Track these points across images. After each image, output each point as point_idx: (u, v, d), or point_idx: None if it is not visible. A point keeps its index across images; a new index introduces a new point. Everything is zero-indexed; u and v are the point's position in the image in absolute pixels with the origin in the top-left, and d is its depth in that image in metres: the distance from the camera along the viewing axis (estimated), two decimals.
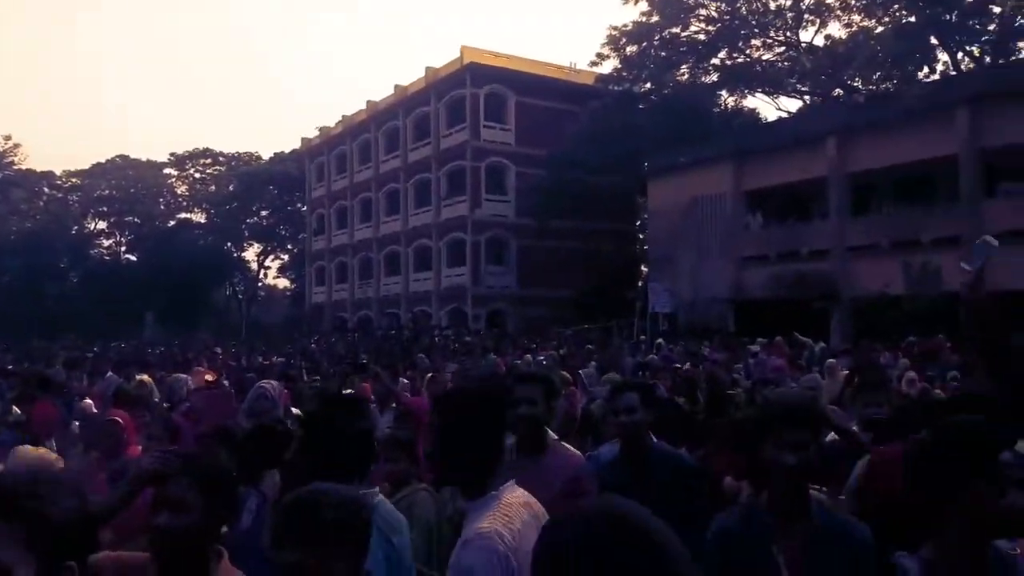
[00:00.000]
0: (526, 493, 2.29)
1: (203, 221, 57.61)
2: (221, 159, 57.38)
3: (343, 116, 48.35)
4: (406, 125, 41.64)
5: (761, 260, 27.54)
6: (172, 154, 56.78)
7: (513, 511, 2.13)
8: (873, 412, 4.37)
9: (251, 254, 58.91)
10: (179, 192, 58.64)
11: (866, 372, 5.06)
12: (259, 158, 57.74)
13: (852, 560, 2.36)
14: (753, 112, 36.64)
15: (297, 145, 53.65)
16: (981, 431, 2.03)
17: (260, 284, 60.82)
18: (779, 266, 26.67)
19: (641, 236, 38.25)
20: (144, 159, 56.85)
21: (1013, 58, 26.11)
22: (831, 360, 11.78)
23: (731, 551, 2.48)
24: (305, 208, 52.47)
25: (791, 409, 2.51)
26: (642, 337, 24.31)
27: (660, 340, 20.73)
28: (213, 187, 57.16)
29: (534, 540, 1.84)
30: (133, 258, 55.01)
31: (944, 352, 15.23)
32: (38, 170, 54.06)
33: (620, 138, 32.18)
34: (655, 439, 4.18)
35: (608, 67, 35.31)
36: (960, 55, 27.75)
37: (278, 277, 61.51)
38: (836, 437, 4.31)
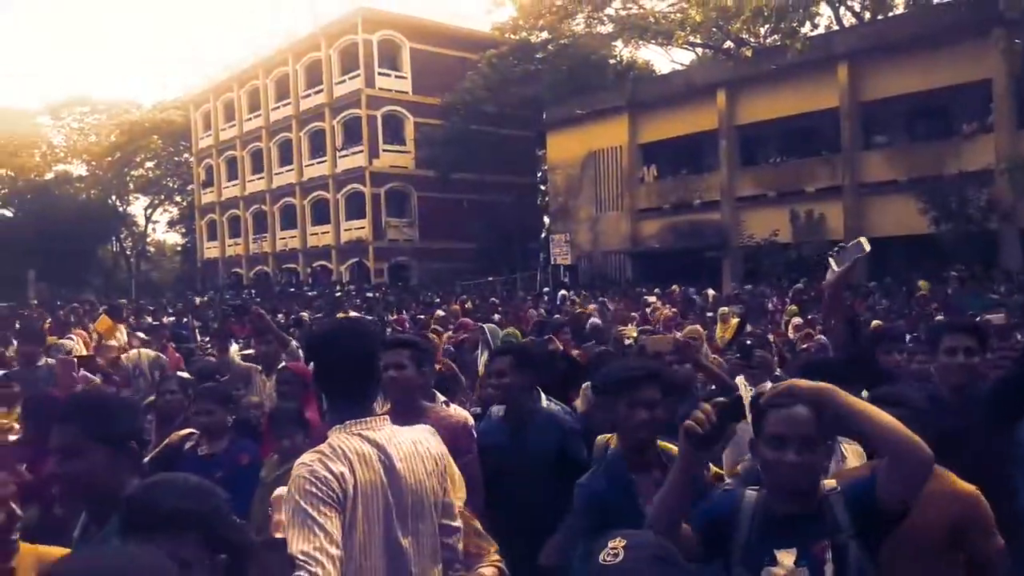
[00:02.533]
0: (395, 429, 2.37)
1: (84, 173, 54.36)
2: (100, 107, 54.01)
3: (229, 64, 46.17)
4: (296, 72, 40.19)
5: (656, 211, 28.30)
6: (46, 102, 53.17)
7: (336, 446, 2.21)
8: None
9: (138, 208, 56.12)
10: (55, 143, 54.99)
11: (741, 334, 5.34)
12: (140, 106, 54.66)
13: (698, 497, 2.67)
14: (647, 64, 37.13)
15: (180, 94, 51.05)
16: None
17: (148, 239, 58.17)
18: (673, 217, 27.47)
19: (543, 188, 38.53)
20: (12, 108, 52.90)
21: (891, 14, 27.26)
22: (723, 308, 12.29)
23: (602, 512, 2.69)
24: (192, 159, 50.24)
25: (637, 369, 2.88)
26: (545, 289, 24.66)
27: (563, 291, 21.12)
28: (93, 137, 53.81)
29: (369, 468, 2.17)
30: (8, 214, 51.45)
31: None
32: None
33: (518, 88, 32.12)
34: (545, 397, 4.23)
35: (504, 16, 35.00)
36: (842, 10, 28.79)
37: (168, 232, 58.99)
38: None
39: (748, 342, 5.00)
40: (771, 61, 24.90)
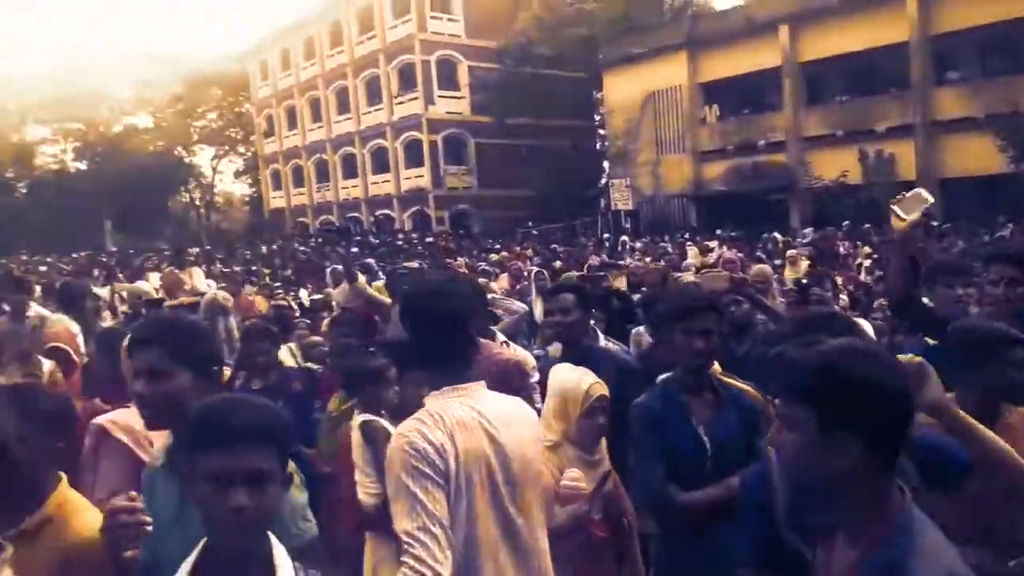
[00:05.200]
0: (489, 396, 2.27)
1: (150, 125, 55.63)
2: (161, 60, 54.88)
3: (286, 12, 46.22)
4: (349, 17, 40.03)
5: (720, 153, 27.66)
6: (111, 56, 54.31)
7: (435, 413, 2.15)
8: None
9: (204, 159, 57.24)
10: (122, 96, 56.24)
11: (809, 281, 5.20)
12: (199, 58, 55.32)
13: (749, 422, 2.93)
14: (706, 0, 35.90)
15: (238, 44, 51.57)
16: None
17: (216, 190, 59.37)
18: (737, 159, 26.83)
19: (601, 132, 37.94)
20: (79, 62, 54.22)
21: None
22: (791, 251, 12.14)
23: (658, 428, 2.89)
24: (252, 109, 50.83)
25: (694, 300, 3.06)
26: (606, 235, 24.50)
27: (624, 238, 20.97)
28: (156, 89, 54.84)
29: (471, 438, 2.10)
30: (82, 166, 52.96)
31: None
32: None
33: (573, 27, 31.45)
34: (603, 337, 4.27)
35: None
36: None
37: (235, 182, 60.13)
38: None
39: (804, 281, 4.96)
40: None
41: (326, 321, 6.60)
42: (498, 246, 20.63)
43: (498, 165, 35.38)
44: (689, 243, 16.22)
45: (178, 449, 2.17)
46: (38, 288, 9.12)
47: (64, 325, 5.39)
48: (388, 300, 6.22)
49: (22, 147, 51.00)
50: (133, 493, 1.76)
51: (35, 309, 6.24)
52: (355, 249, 19.56)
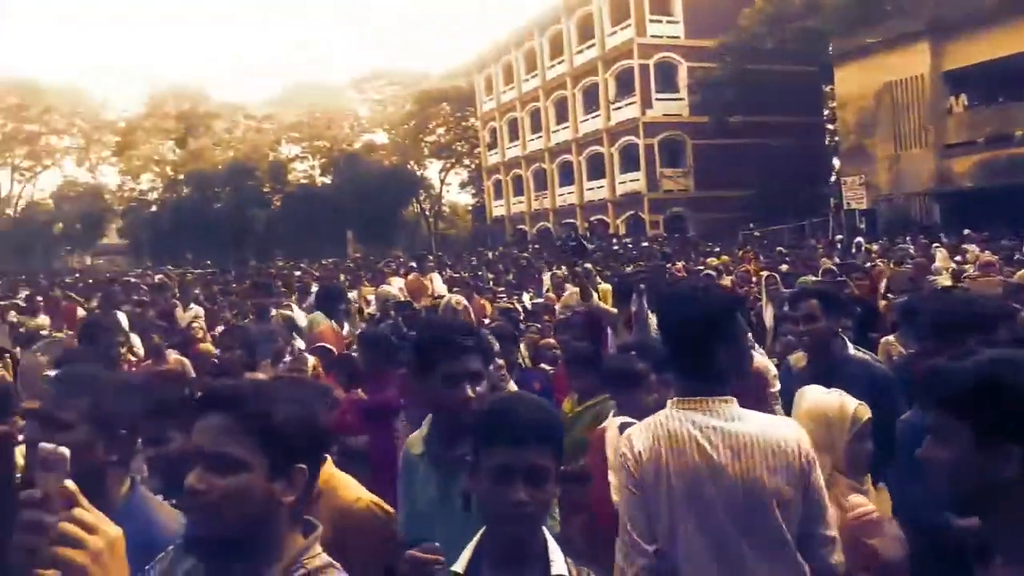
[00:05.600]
0: (726, 412, 2.14)
1: (385, 141, 59.88)
2: (396, 79, 59.02)
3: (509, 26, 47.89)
4: (568, 28, 40.71)
5: (968, 146, 25.17)
6: (351, 78, 59.26)
7: (654, 421, 2.18)
8: None
9: (432, 172, 60.65)
10: (360, 115, 61.17)
11: None
12: (429, 76, 58.84)
13: None
14: None
15: (464, 59, 54.12)
16: None
17: (443, 201, 62.57)
18: (989, 152, 24.29)
19: (829, 127, 35.80)
20: (323, 84, 59.60)
21: None
22: None
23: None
24: (477, 123, 53.14)
25: (993, 308, 2.79)
26: (838, 236, 23.16)
27: (859, 239, 19.77)
28: (391, 108, 59.02)
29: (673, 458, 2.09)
30: (327, 180, 57.87)
31: None
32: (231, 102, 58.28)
33: (799, 20, 29.97)
34: (851, 344, 4.02)
35: None
36: None
37: (460, 193, 63.17)
38: None
39: None
40: None
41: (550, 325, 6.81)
42: (717, 249, 20.09)
43: (716, 166, 34.50)
44: (936, 245, 14.88)
45: (436, 439, 2.40)
46: (289, 292, 10.15)
47: (328, 324, 5.99)
48: (614, 310, 6.31)
49: (277, 164, 56.76)
50: (437, 545, 1.92)
51: (295, 310, 6.97)
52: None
